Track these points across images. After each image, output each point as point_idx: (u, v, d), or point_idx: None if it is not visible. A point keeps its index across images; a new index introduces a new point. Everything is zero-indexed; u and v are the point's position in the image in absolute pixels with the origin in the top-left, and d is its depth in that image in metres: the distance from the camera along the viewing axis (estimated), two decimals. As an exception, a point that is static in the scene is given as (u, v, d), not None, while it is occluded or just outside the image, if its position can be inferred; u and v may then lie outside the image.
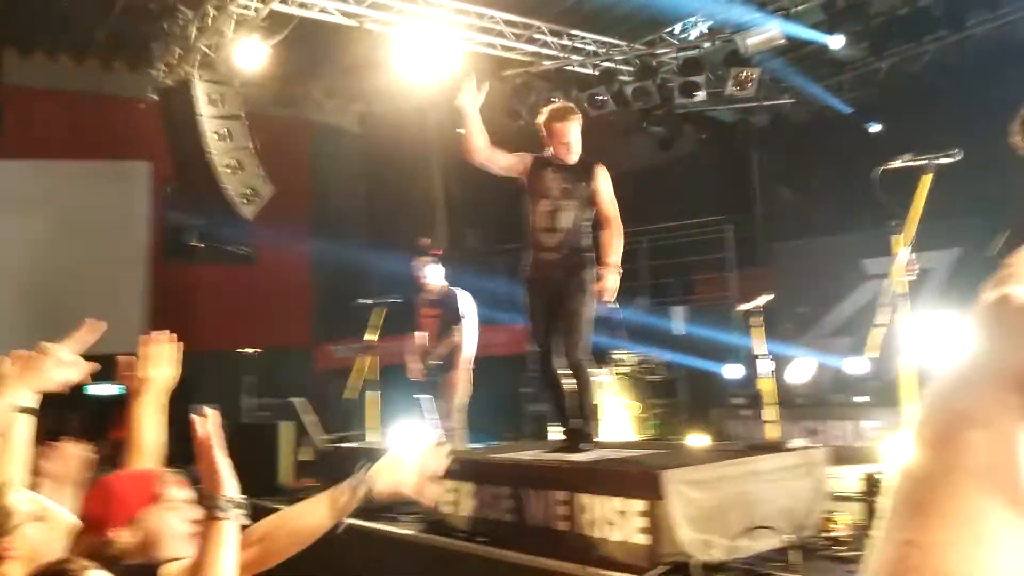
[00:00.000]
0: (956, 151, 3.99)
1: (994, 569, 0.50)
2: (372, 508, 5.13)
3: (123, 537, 1.99)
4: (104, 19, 10.63)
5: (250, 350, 8.27)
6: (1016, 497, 0.52)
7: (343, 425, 7.66)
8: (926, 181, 4.09)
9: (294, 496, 5.98)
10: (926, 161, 4.06)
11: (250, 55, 8.81)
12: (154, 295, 12.56)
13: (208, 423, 1.78)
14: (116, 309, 12.22)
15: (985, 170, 4.75)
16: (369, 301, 7.22)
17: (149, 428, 2.46)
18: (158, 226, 12.61)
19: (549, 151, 4.75)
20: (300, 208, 13.18)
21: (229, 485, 1.75)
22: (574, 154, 4.67)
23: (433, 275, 7.09)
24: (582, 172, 4.69)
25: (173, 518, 2.05)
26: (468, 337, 6.89)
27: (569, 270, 4.64)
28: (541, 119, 4.77)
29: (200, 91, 8.90)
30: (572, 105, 4.92)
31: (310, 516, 2.03)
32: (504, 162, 4.82)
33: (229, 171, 9.04)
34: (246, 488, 2.23)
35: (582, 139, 4.76)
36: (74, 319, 2.26)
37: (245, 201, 9.14)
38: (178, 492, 2.10)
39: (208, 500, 1.73)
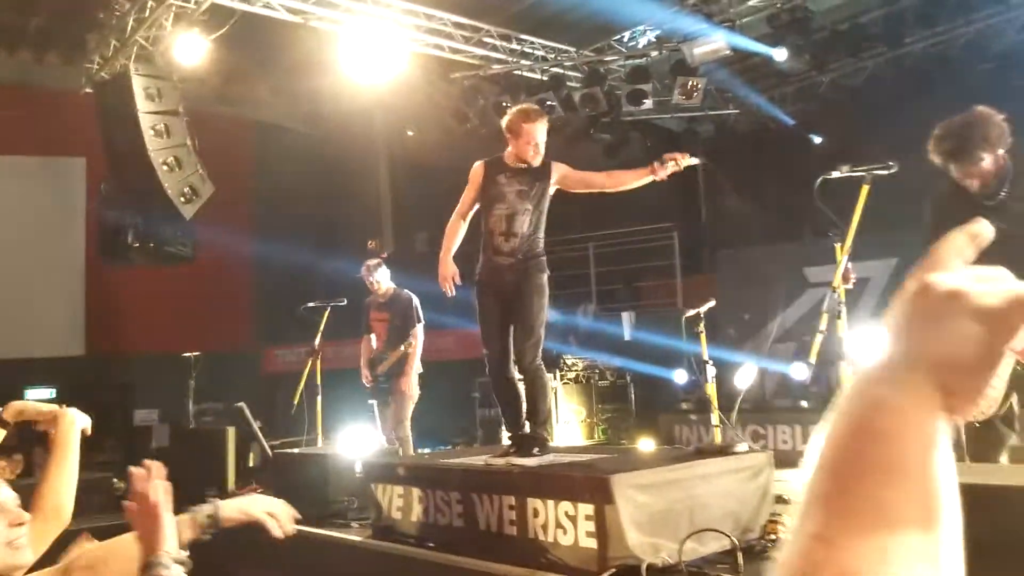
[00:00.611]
0: (892, 164, 4.10)
1: (900, 565, 0.49)
2: (324, 513, 5.09)
3: None
4: (37, 9, 10.29)
5: (193, 353, 8.08)
6: (926, 490, 0.52)
7: (289, 430, 7.53)
8: (864, 191, 4.19)
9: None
10: (864, 172, 4.16)
11: (190, 50, 8.62)
12: (90, 296, 12.20)
13: (150, 478, 1.73)
14: (53, 311, 11.86)
15: (921, 182, 4.88)
16: (315, 304, 7.12)
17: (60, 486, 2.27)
18: (94, 225, 12.25)
19: (507, 153, 4.71)
20: (243, 208, 12.94)
21: (170, 541, 1.69)
22: (540, 156, 4.62)
23: (382, 278, 7.03)
24: (539, 173, 4.65)
25: None
26: (419, 342, 6.87)
27: (524, 274, 4.60)
28: (506, 120, 4.70)
29: (137, 85, 8.66)
30: (537, 106, 4.89)
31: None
32: (471, 206, 4.78)
33: (167, 169, 8.82)
34: (193, 495, 2.18)
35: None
36: (10, 321, 2.18)
37: (184, 200, 8.93)
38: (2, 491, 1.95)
39: (149, 558, 1.67)
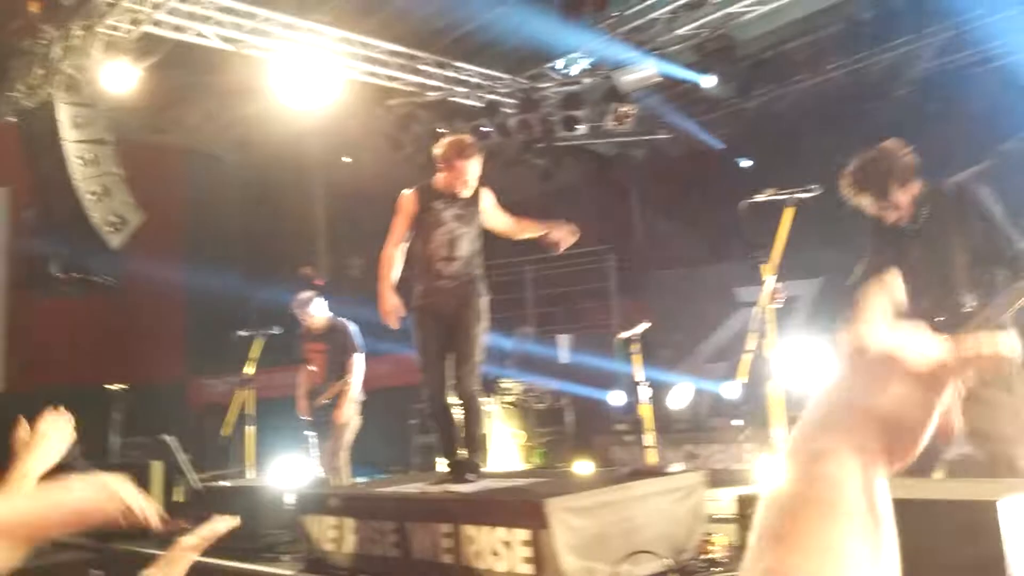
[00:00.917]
0: (814, 187, 4.22)
1: None
2: (254, 547, 4.97)
3: None
4: (-42, 37, 10.01)
5: (118, 385, 7.85)
6: (869, 528, 0.56)
7: (219, 463, 7.36)
8: (789, 214, 4.31)
9: (165, 540, 5.69)
10: (787, 195, 4.26)
11: (119, 78, 8.46)
12: (11, 329, 11.79)
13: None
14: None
15: (845, 204, 5.04)
16: (247, 333, 7.00)
17: None
18: (15, 256, 11.86)
19: (437, 179, 4.74)
20: (174, 237, 12.68)
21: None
22: (471, 189, 4.69)
23: (316, 311, 6.96)
24: (472, 198, 4.72)
25: None
26: (358, 371, 6.79)
27: (465, 299, 4.62)
28: (439, 152, 4.72)
29: (64, 114, 8.44)
30: (471, 140, 4.95)
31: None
32: (403, 235, 4.78)
33: (94, 198, 8.59)
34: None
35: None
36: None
37: (112, 229, 8.70)
38: None
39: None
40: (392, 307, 4.64)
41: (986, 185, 3.69)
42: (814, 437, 0.61)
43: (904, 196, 3.63)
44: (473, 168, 4.67)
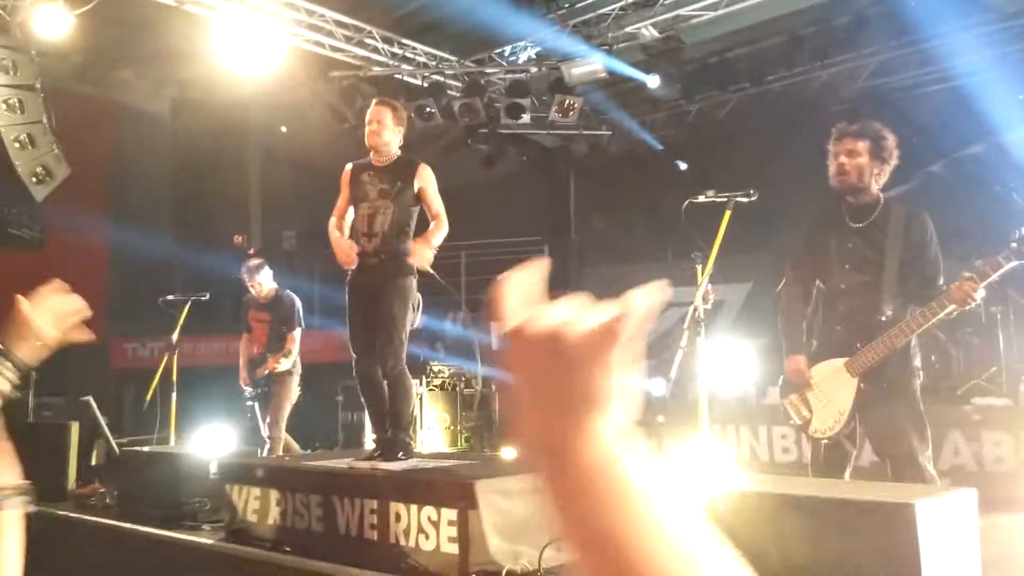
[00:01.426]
0: (753, 192, 4.34)
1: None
2: (176, 515, 4.88)
3: None
4: None
5: (35, 343, 7.57)
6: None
7: (138, 428, 7.18)
8: (727, 217, 4.42)
9: (81, 502, 5.55)
10: (727, 198, 4.37)
11: (51, 23, 8.11)
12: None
13: None
14: None
15: (776, 211, 5.20)
16: (175, 298, 6.84)
17: None
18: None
19: (369, 156, 4.74)
20: (99, 194, 12.21)
21: (4, 473, 1.58)
22: (381, 140, 4.63)
23: (264, 280, 6.95)
24: (401, 172, 4.64)
25: None
26: (296, 345, 6.85)
27: (386, 276, 4.55)
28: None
29: (-10, 56, 8.09)
30: (393, 101, 4.95)
31: None
32: (345, 209, 4.77)
33: (19, 146, 8.26)
34: (34, 491, 2.05)
35: (408, 151, 4.81)
36: None
37: (36, 180, 8.37)
38: None
39: None
40: (346, 249, 4.59)
41: (929, 215, 3.85)
42: (548, 437, 0.60)
43: (867, 164, 3.76)
44: (375, 112, 4.66)
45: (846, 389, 3.70)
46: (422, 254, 4.50)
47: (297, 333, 6.85)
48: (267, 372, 6.79)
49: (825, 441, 3.79)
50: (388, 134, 4.65)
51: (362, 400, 4.82)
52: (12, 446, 1.59)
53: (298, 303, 6.94)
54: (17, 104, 8.16)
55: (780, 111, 10.03)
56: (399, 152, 4.76)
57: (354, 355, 4.66)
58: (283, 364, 6.78)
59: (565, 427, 0.58)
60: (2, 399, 1.61)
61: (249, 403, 6.89)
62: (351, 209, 4.74)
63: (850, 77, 9.69)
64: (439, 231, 4.61)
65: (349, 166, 4.78)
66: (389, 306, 4.51)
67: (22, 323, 1.64)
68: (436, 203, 4.66)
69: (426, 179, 4.65)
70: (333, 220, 4.77)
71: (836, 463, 3.77)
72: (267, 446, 6.69)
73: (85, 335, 1.80)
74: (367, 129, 4.67)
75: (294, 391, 6.87)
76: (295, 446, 7.08)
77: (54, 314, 1.66)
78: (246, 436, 6.72)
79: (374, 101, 4.82)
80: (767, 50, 9.86)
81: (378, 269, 4.57)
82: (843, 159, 3.80)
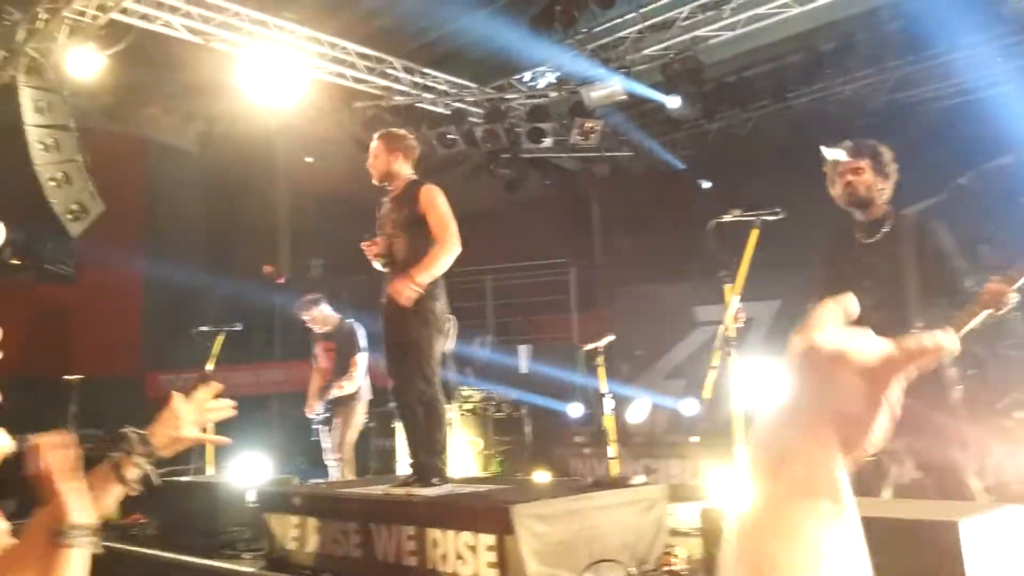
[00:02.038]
0: (779, 210, 4.35)
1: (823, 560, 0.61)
2: (214, 544, 4.94)
3: None
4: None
5: (74, 377, 7.70)
6: (841, 519, 0.64)
7: (177, 458, 7.25)
8: (754, 235, 4.43)
9: (124, 532, 5.62)
10: (754, 217, 4.38)
11: (83, 64, 8.32)
12: (-37, 313, 11.45)
13: (43, 451, 1.68)
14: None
15: (803, 227, 5.21)
16: (208, 329, 6.94)
17: None
18: (-33, 239, 11.52)
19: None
20: (132, 228, 12.42)
21: (76, 510, 1.65)
22: (375, 168, 4.76)
23: (323, 312, 7.20)
24: (407, 198, 4.66)
25: None
26: (361, 371, 7.04)
27: (407, 302, 4.53)
28: None
29: (26, 97, 8.28)
30: (391, 130, 5.02)
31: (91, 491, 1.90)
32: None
33: (55, 184, 8.44)
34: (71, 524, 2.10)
35: (429, 177, 4.89)
36: None
37: (72, 217, 8.54)
38: None
39: (54, 528, 1.63)
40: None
41: (941, 220, 3.87)
42: (775, 439, 0.68)
43: (871, 179, 3.79)
44: (373, 149, 4.78)
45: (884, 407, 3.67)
46: (400, 290, 4.41)
47: (360, 358, 7.03)
48: (332, 397, 6.97)
49: (866, 459, 3.75)
50: (380, 162, 4.76)
51: (401, 424, 4.86)
52: (88, 486, 1.66)
53: (360, 330, 7.13)
54: (53, 144, 8.36)
55: (802, 128, 10.02)
56: (410, 177, 4.79)
57: (391, 380, 4.72)
58: (346, 388, 6.95)
59: (808, 436, 0.66)
60: (129, 488, 1.70)
61: (315, 427, 7.10)
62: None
63: (873, 92, 9.68)
64: (433, 264, 4.48)
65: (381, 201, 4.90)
66: (412, 333, 4.53)
67: (171, 416, 1.80)
68: (437, 223, 4.55)
69: (427, 200, 4.59)
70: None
71: (875, 481, 3.74)
72: (330, 471, 6.92)
73: (220, 440, 1.95)
74: (369, 166, 4.82)
75: (359, 416, 7.09)
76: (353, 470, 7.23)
77: (198, 414, 1.82)
78: (281, 463, 6.79)
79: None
80: (787, 67, 9.89)
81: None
82: (849, 178, 3.84)
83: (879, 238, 3.83)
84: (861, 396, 0.66)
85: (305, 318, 7.22)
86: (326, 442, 7.08)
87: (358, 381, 7.03)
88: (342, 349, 7.12)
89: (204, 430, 1.92)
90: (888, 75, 9.46)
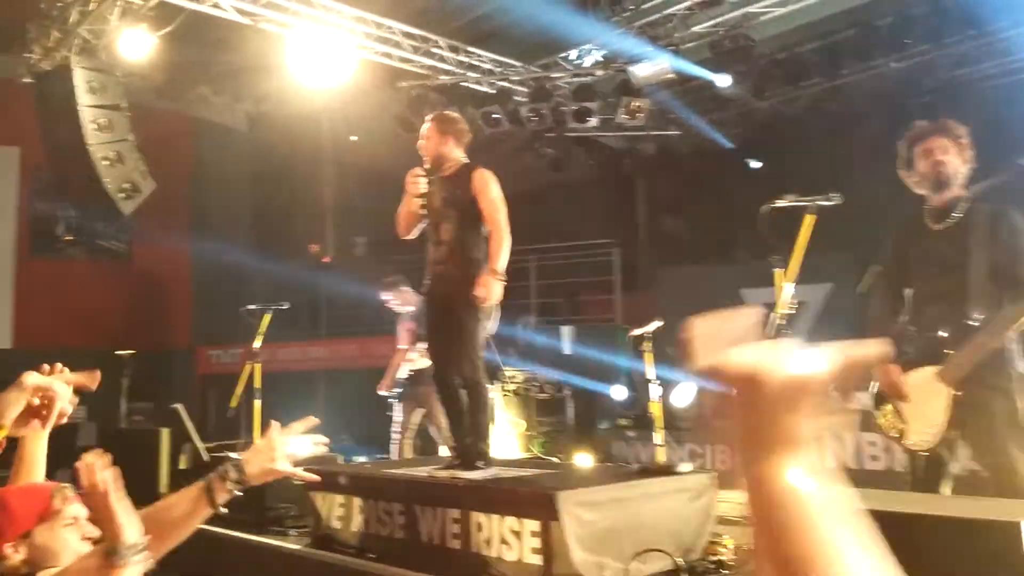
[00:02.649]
0: (836, 195, 4.23)
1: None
2: (262, 520, 5.03)
3: (15, 553, 1.94)
4: (-27, -4, 9.93)
5: (127, 351, 7.88)
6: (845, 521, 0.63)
7: (223, 433, 7.40)
8: (809, 221, 4.32)
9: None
10: (809, 202, 4.28)
11: (135, 45, 8.44)
12: (19, 289, 11.79)
13: (97, 469, 1.71)
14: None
15: (855, 209, 5.08)
16: (256, 307, 7.03)
17: (39, 456, 2.29)
18: (26, 216, 11.85)
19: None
20: (181, 206, 12.65)
21: (129, 530, 1.68)
22: (427, 150, 4.68)
23: (404, 291, 7.26)
24: (460, 180, 4.61)
25: (69, 534, 2.00)
26: None
27: (455, 283, 4.53)
28: None
29: (79, 78, 8.43)
30: (444, 112, 4.97)
31: (181, 509, 1.96)
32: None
33: (108, 163, 8.60)
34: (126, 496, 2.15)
35: (474, 156, 4.84)
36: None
37: (124, 196, 8.71)
38: (74, 508, 2.04)
39: (107, 547, 1.66)
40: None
41: (1019, 211, 3.72)
42: (745, 465, 0.67)
43: (945, 163, 3.67)
44: (425, 131, 4.71)
45: (939, 398, 3.59)
46: (488, 289, 4.39)
47: None
48: (411, 372, 7.12)
49: (923, 453, 3.68)
50: (432, 145, 4.70)
51: (441, 407, 4.87)
52: (177, 505, 1.71)
53: None
54: (106, 123, 8.51)
55: (856, 106, 9.77)
56: (462, 159, 4.75)
57: (432, 363, 4.72)
58: (418, 362, 7.00)
59: (756, 460, 0.65)
60: (217, 509, 1.76)
61: (390, 401, 7.26)
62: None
63: (930, 69, 9.39)
64: (500, 252, 4.46)
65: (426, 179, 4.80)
66: (459, 315, 4.50)
67: (267, 447, 1.90)
68: (492, 210, 4.51)
69: (481, 184, 4.55)
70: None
71: (935, 475, 3.66)
72: (392, 447, 7.03)
73: (308, 477, 2.03)
74: (420, 148, 4.75)
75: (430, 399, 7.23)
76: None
77: (289, 451, 1.93)
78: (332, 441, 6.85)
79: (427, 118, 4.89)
80: (840, 43, 9.61)
81: (447, 277, 4.59)
82: (939, 156, 3.69)
83: (949, 224, 3.71)
84: (794, 418, 0.66)
85: (387, 298, 7.31)
86: (398, 416, 7.18)
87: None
88: (422, 328, 7.19)
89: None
90: (946, 51, 9.15)
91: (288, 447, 1.97)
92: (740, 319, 0.71)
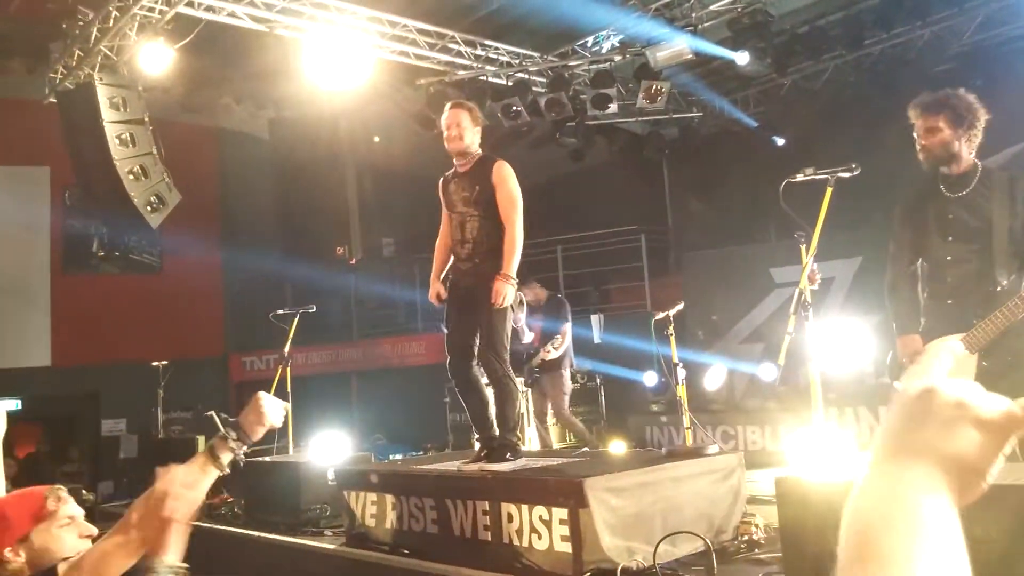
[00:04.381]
0: (855, 166, 4.16)
1: None
2: (297, 522, 5.07)
3: (15, 557, 2.01)
4: (-2, 17, 10.14)
5: (161, 362, 8.00)
6: (948, 557, 0.62)
7: (260, 439, 7.48)
8: (828, 193, 4.25)
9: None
10: (827, 175, 4.21)
11: (154, 59, 8.54)
12: (56, 306, 12.04)
13: (170, 492, 1.76)
14: (18, 321, 11.69)
15: (884, 181, 4.98)
16: (285, 312, 7.10)
17: None
18: (59, 234, 12.09)
19: (454, 162, 4.76)
20: (209, 216, 12.81)
21: (173, 553, 1.73)
22: (463, 143, 4.59)
23: (536, 288, 7.79)
24: (479, 175, 4.59)
25: (66, 533, 2.08)
26: (567, 340, 7.63)
27: (481, 278, 4.53)
28: None
29: (102, 95, 8.55)
30: (466, 102, 4.95)
31: (191, 475, 1.99)
32: (446, 218, 4.85)
33: (133, 178, 8.72)
34: None
35: (496, 150, 4.80)
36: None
37: (151, 209, 8.83)
38: (68, 508, 2.12)
39: (148, 562, 1.71)
40: (434, 294, 4.77)
41: None
42: (897, 459, 0.67)
43: (949, 138, 3.58)
44: (451, 117, 4.63)
45: (965, 367, 3.51)
46: (502, 295, 4.40)
47: (567, 328, 7.66)
48: (540, 361, 7.52)
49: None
50: (468, 136, 4.62)
51: (461, 401, 4.85)
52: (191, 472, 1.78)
53: (567, 305, 7.88)
54: (129, 138, 8.63)
55: (881, 76, 9.58)
56: (479, 152, 4.71)
57: (448, 356, 4.69)
58: (552, 353, 7.47)
59: (913, 469, 0.66)
60: (222, 469, 1.87)
61: (523, 390, 7.59)
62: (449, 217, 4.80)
63: (954, 34, 9.17)
64: (513, 255, 4.48)
65: (441, 179, 4.82)
66: (485, 308, 4.48)
67: (258, 408, 2.06)
68: (506, 205, 4.53)
69: (500, 178, 4.56)
70: (439, 239, 4.87)
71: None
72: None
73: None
74: (446, 135, 4.64)
75: (566, 381, 7.65)
76: (579, 426, 7.79)
77: (276, 409, 2.09)
78: (359, 441, 6.90)
79: (448, 106, 4.77)
80: (862, 13, 9.42)
81: (473, 271, 4.59)
82: (923, 141, 3.65)
83: (967, 192, 3.64)
84: (979, 447, 0.67)
85: (525, 296, 7.68)
86: (530, 405, 7.64)
87: (564, 348, 7.55)
88: (550, 320, 7.68)
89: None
90: (971, 14, 8.94)
91: (272, 407, 2.10)
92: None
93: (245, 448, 2.00)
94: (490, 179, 4.55)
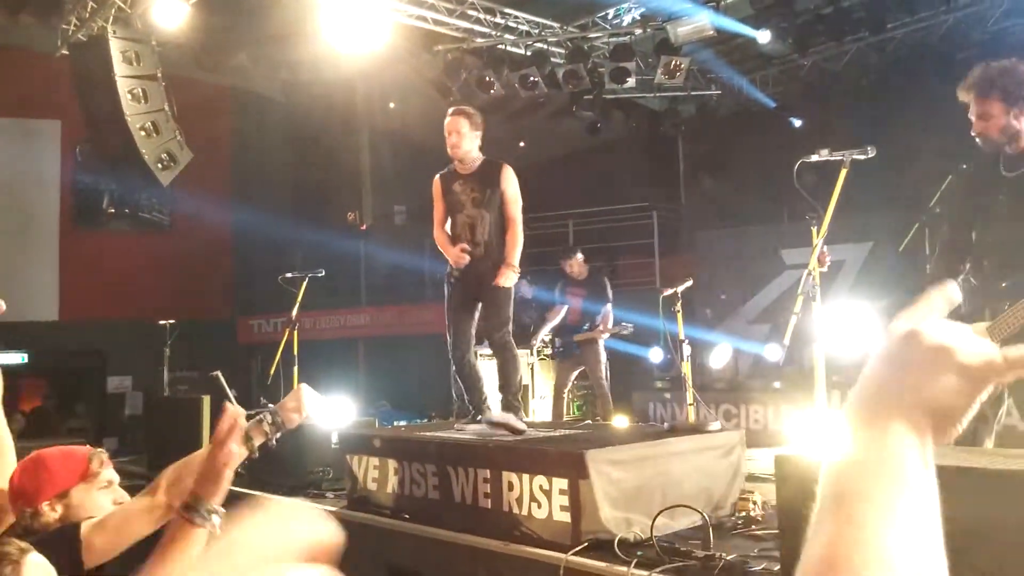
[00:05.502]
0: (870, 148, 4.11)
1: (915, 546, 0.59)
2: (300, 483, 5.12)
3: (51, 511, 2.08)
4: (11, -31, 10.05)
5: (168, 321, 8.02)
6: (926, 501, 0.62)
7: (264, 399, 7.52)
8: (843, 175, 4.22)
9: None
10: (842, 157, 4.17)
11: (169, 14, 8.46)
12: (65, 261, 12.06)
13: (234, 435, 1.77)
14: (27, 275, 11.74)
15: (899, 166, 4.92)
16: (293, 275, 7.10)
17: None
18: (69, 189, 12.09)
19: (454, 162, 4.88)
20: (220, 176, 12.79)
21: (218, 497, 1.74)
22: (461, 150, 4.78)
23: (578, 260, 7.90)
24: (488, 176, 4.81)
25: (103, 497, 2.15)
26: (608, 317, 7.76)
27: (491, 269, 4.81)
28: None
29: (115, 48, 8.48)
30: (467, 107, 5.08)
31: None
32: (444, 216, 4.98)
33: (144, 134, 8.68)
34: (166, 463, 2.22)
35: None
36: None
37: (161, 166, 8.80)
38: (109, 472, 2.19)
39: (194, 502, 1.71)
40: (456, 254, 4.88)
41: None
42: (873, 407, 0.66)
43: (1003, 121, 3.46)
44: (452, 124, 4.78)
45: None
46: (508, 280, 4.77)
47: (607, 307, 7.78)
48: (581, 339, 7.66)
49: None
50: (468, 142, 4.81)
51: (460, 384, 5.00)
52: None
53: (607, 284, 7.97)
54: (141, 94, 8.58)
55: (903, 60, 9.47)
56: (481, 156, 4.90)
57: (451, 338, 4.92)
58: (605, 335, 7.66)
59: (893, 419, 0.65)
60: (252, 450, 1.84)
61: (556, 360, 8.02)
62: (450, 217, 4.96)
63: (979, 20, 9.04)
64: (516, 248, 4.82)
65: (437, 177, 4.99)
66: (492, 290, 4.78)
67: (298, 398, 2.05)
68: (513, 206, 4.85)
69: (508, 181, 4.84)
70: (436, 232, 5.02)
71: (977, 432, 3.54)
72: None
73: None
74: (448, 141, 4.82)
75: (603, 355, 7.71)
76: (610, 400, 7.79)
77: (316, 403, 2.07)
78: (364, 406, 6.94)
79: (449, 112, 4.92)
80: (886, -5, 9.30)
81: (483, 267, 4.84)
82: (976, 129, 3.51)
83: (1020, 173, 3.53)
84: (958, 393, 0.67)
85: (563, 265, 7.91)
86: (560, 371, 7.86)
87: (608, 325, 7.70)
88: (591, 296, 7.78)
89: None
90: (997, 1, 8.79)
91: (312, 400, 2.09)
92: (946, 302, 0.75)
93: (279, 434, 1.99)
94: (500, 182, 4.80)
